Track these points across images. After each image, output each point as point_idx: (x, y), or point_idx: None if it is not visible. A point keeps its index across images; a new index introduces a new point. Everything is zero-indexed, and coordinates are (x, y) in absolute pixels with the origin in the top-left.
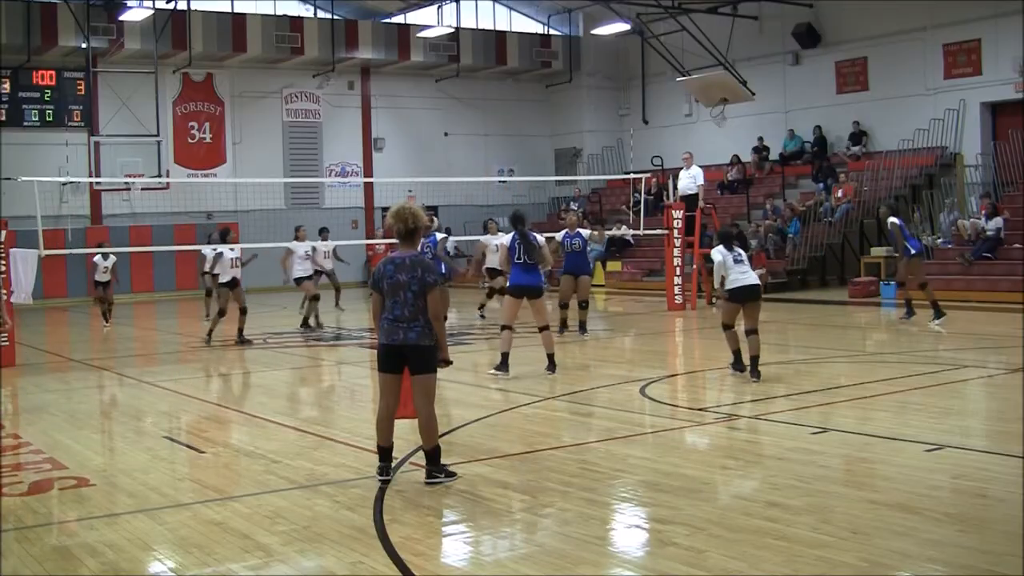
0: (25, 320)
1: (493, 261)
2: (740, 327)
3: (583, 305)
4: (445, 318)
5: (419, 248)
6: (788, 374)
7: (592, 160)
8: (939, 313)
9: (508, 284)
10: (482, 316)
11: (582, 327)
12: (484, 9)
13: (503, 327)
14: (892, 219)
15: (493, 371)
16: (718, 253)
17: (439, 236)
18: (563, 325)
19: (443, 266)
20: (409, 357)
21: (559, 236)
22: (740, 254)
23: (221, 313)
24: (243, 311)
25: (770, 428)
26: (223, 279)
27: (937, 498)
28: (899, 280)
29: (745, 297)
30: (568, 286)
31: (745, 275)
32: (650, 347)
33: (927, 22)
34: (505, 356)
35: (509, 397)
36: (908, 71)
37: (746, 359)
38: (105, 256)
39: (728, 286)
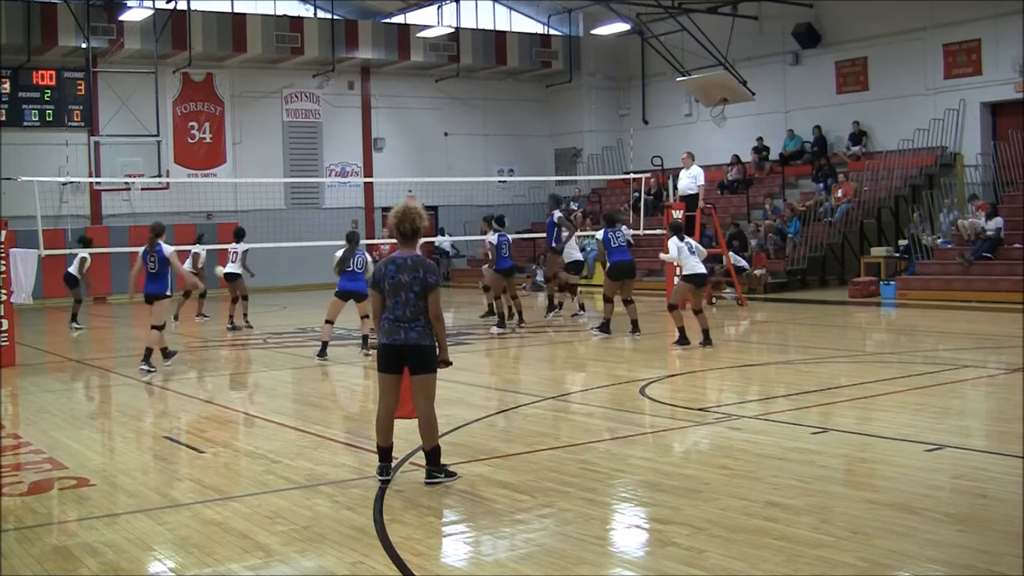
0: (25, 320)
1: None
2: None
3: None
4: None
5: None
6: (788, 374)
7: (592, 160)
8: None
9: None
10: (582, 308)
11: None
12: (484, 9)
13: (327, 321)
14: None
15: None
16: (674, 244)
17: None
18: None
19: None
20: (409, 357)
21: (599, 234)
22: (692, 245)
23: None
24: (244, 298)
25: (770, 428)
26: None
27: (937, 498)
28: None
29: (699, 282)
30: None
31: (698, 264)
32: (650, 347)
33: (927, 22)
34: (325, 344)
35: (509, 397)
36: (908, 71)
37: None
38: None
39: (685, 271)
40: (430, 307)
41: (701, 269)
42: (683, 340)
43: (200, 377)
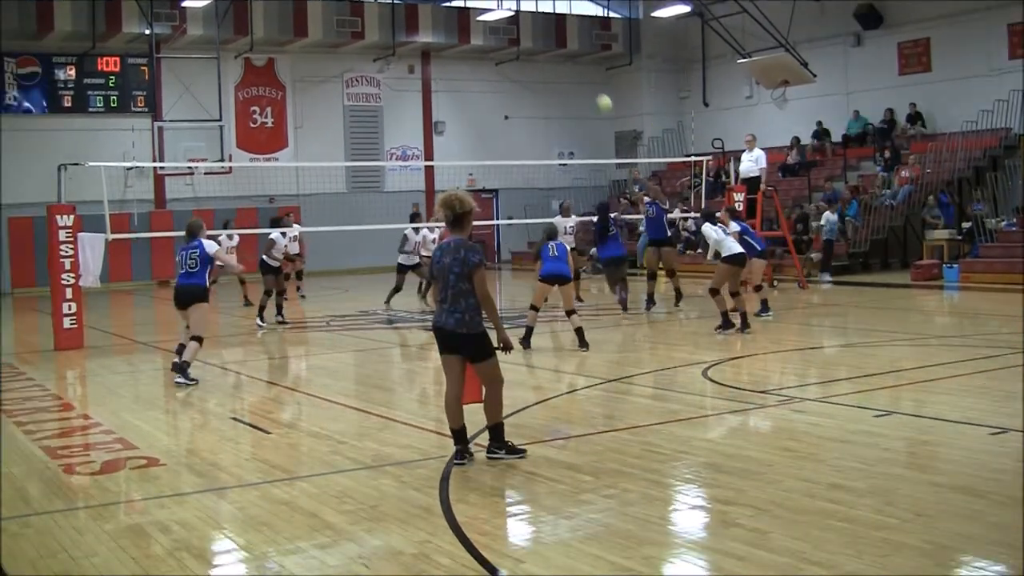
0: (92, 303)
1: None
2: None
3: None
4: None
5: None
6: (850, 357)
7: (652, 143)
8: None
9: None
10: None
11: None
12: None
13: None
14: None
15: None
16: (711, 229)
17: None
18: (650, 299)
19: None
20: (457, 343)
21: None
22: (729, 227)
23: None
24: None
25: (832, 411)
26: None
27: (1002, 481)
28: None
29: (739, 263)
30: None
31: (734, 244)
32: (712, 329)
33: (991, 2)
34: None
35: (571, 380)
36: (972, 52)
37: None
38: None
39: (724, 253)
40: (476, 288)
41: (738, 249)
42: (726, 324)
43: (264, 359)
